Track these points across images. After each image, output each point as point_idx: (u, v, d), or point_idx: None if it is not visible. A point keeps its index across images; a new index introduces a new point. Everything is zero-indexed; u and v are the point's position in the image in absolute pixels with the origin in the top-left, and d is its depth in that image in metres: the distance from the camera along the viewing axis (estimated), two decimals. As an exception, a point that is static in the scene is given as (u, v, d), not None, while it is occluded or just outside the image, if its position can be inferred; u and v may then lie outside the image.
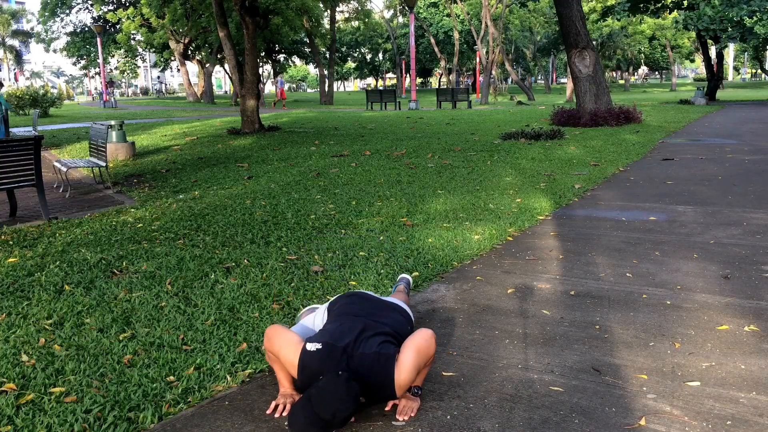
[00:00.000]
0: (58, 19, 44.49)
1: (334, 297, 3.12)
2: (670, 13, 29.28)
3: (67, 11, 44.03)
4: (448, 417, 2.51)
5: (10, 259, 4.87)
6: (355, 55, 67.49)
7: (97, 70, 47.09)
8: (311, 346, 2.52)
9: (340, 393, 2.27)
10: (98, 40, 36.79)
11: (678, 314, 3.51)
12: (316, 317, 2.97)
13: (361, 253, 4.79)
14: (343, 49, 63.65)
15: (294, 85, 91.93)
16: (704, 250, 4.73)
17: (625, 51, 45.68)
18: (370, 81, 79.90)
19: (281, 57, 44.18)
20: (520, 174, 8.36)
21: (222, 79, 76.85)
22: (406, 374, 2.46)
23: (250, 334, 3.33)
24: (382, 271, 4.36)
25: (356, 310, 2.80)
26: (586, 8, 37.85)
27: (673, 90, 46.77)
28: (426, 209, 6.33)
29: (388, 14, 57.70)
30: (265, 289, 4.04)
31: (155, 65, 53.18)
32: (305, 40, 41.09)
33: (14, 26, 61.57)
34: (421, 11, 52.78)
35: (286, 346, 2.56)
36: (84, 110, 32.06)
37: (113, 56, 48.11)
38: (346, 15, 44.18)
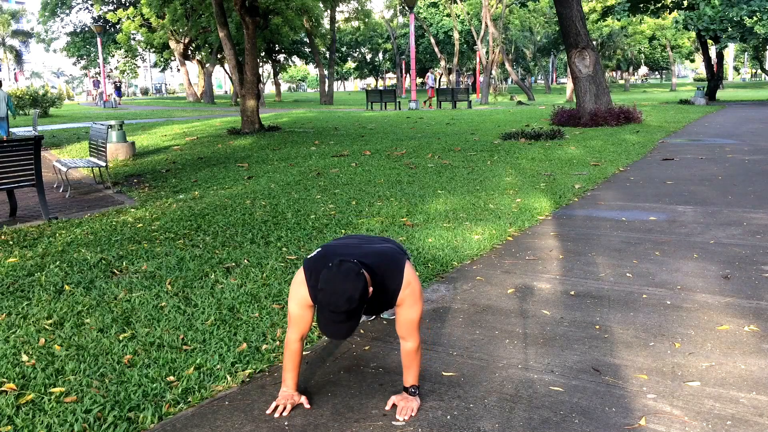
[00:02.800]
0: (58, 19, 44.49)
1: None
2: (670, 13, 29.26)
3: (67, 11, 44.03)
4: (448, 417, 2.51)
5: (10, 259, 4.87)
6: (355, 55, 67.48)
7: (97, 70, 47.08)
8: (312, 254, 2.56)
9: (339, 279, 2.27)
10: (98, 40, 36.79)
11: (678, 314, 3.51)
12: None
13: (361, 253, 4.79)
14: (343, 49, 63.64)
15: (294, 85, 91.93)
16: (704, 250, 4.73)
17: (625, 51, 45.68)
18: (370, 81, 79.89)
19: (281, 57, 44.17)
20: (520, 174, 8.36)
21: (222, 79, 76.80)
22: (415, 281, 2.51)
23: (250, 334, 3.33)
24: (382, 271, 4.36)
25: (348, 239, 2.81)
26: (586, 8, 37.85)
27: (673, 90, 46.75)
28: (426, 209, 6.33)
29: (388, 14, 57.69)
30: (265, 289, 4.04)
31: (155, 65, 53.17)
32: (305, 40, 41.08)
33: (14, 26, 61.56)
34: (421, 11, 52.77)
35: (295, 288, 2.57)
36: (84, 110, 32.07)
37: (113, 56, 48.10)
38: (346, 15, 44.16)
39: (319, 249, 2.65)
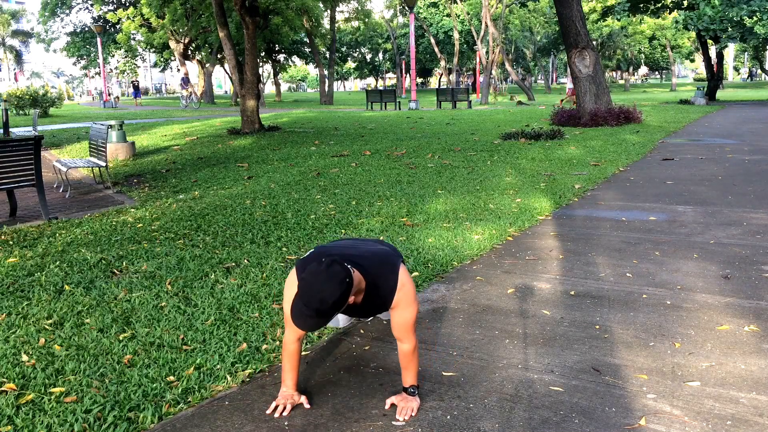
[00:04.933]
0: (58, 19, 44.49)
1: None
2: (670, 13, 29.27)
3: (67, 11, 44.02)
4: (448, 417, 2.51)
5: (10, 259, 4.87)
6: (355, 55, 67.50)
7: (97, 70, 47.04)
8: (304, 256, 2.54)
9: (321, 278, 2.23)
10: (98, 40, 36.79)
11: (678, 314, 3.51)
12: None
13: (361, 253, 4.79)
14: (343, 49, 63.64)
15: (294, 85, 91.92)
16: (704, 250, 4.73)
17: (625, 51, 45.68)
18: (370, 81, 79.90)
19: (281, 57, 44.17)
20: (520, 174, 8.36)
21: (222, 79, 76.83)
22: (410, 284, 2.51)
23: (250, 334, 3.33)
24: (382, 271, 4.36)
25: (345, 243, 2.79)
26: (586, 8, 37.85)
27: (673, 90, 46.76)
28: (426, 209, 6.33)
29: (388, 14, 57.70)
30: (265, 289, 4.04)
31: (155, 65, 53.16)
32: (305, 40, 41.09)
33: (14, 26, 61.57)
34: (421, 11, 52.78)
35: (288, 288, 2.57)
36: (84, 110, 32.06)
37: (113, 56, 48.10)
38: (346, 15, 44.16)
39: (312, 250, 2.65)
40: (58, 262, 4.74)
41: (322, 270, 2.26)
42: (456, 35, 44.68)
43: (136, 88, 42.09)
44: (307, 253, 2.62)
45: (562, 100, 20.90)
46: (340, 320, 3.30)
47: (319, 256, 2.52)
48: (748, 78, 70.00)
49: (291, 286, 2.55)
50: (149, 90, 74.83)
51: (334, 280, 2.24)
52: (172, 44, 37.63)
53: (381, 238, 5.24)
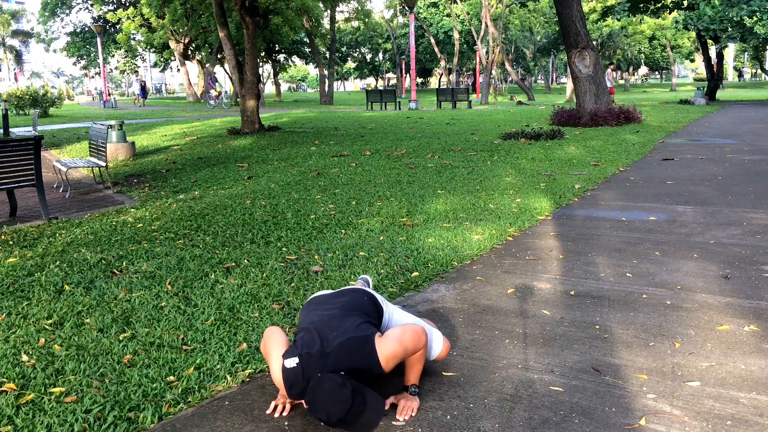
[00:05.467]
0: (58, 19, 44.52)
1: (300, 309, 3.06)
2: (670, 13, 29.26)
3: (67, 11, 44.05)
4: (448, 417, 2.51)
5: (10, 259, 4.87)
6: (355, 55, 67.50)
7: (97, 70, 47.02)
8: (289, 363, 2.46)
9: (326, 398, 2.24)
10: (98, 40, 36.79)
11: (678, 314, 3.51)
12: None
13: (361, 253, 4.79)
14: (343, 49, 63.65)
15: (294, 85, 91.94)
16: (704, 250, 4.73)
17: (625, 51, 45.68)
18: (370, 81, 79.90)
19: (281, 57, 44.17)
20: (520, 174, 8.36)
21: (222, 79, 76.88)
22: (390, 346, 2.46)
23: (250, 334, 3.33)
24: (382, 271, 4.36)
25: (322, 310, 2.71)
26: (586, 8, 37.85)
27: (673, 90, 46.77)
28: (426, 209, 6.33)
29: (388, 14, 57.70)
30: (265, 289, 4.04)
31: (155, 65, 53.16)
32: (305, 40, 41.09)
33: (14, 26, 61.58)
34: (421, 11, 52.78)
35: (271, 360, 2.54)
36: (84, 110, 32.07)
37: (113, 56, 48.10)
38: (346, 15, 44.17)
39: (295, 354, 2.49)
40: (58, 262, 4.74)
41: (323, 394, 2.26)
42: (456, 35, 44.68)
43: (143, 87, 41.52)
44: (290, 359, 2.51)
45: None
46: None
47: (309, 363, 2.44)
48: (739, 78, 69.92)
49: (273, 361, 2.52)
50: (149, 90, 74.84)
51: (338, 396, 2.24)
52: (172, 44, 37.65)
53: (381, 238, 5.24)
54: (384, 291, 3.96)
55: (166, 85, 79.81)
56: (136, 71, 51.68)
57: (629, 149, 10.75)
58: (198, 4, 26.38)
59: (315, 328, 2.57)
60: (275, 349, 2.55)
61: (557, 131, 12.78)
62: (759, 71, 63.67)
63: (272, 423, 2.50)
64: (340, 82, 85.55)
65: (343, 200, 6.89)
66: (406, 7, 28.58)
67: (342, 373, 2.39)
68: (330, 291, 2.98)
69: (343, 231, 5.54)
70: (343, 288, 3.02)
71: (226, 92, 36.12)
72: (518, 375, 2.84)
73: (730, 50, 63.34)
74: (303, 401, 2.53)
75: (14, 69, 67.46)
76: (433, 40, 48.34)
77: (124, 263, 4.70)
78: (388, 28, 56.05)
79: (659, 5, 25.05)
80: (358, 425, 2.27)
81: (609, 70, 28.46)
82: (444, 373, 2.87)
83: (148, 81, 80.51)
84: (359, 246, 5.01)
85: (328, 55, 39.87)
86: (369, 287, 3.54)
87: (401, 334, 2.51)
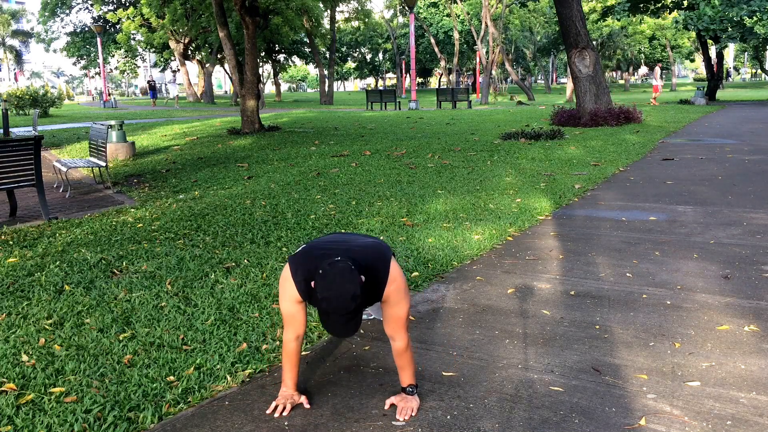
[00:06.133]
0: (58, 19, 44.50)
1: None
2: (670, 13, 29.26)
3: (67, 11, 44.03)
4: (448, 417, 2.51)
5: (10, 259, 4.87)
6: (355, 55, 67.50)
7: (97, 70, 46.98)
8: (294, 253, 2.54)
9: (336, 282, 2.24)
10: (98, 40, 36.79)
11: (678, 314, 3.51)
12: None
13: (361, 253, 4.79)
14: (343, 49, 63.65)
15: (294, 85, 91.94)
16: (704, 250, 4.73)
17: (625, 51, 45.68)
18: (370, 81, 79.91)
19: (281, 57, 44.17)
20: (520, 174, 8.36)
21: (222, 79, 76.84)
22: (397, 278, 2.51)
23: (250, 334, 3.33)
24: (382, 271, 4.35)
25: (333, 237, 2.77)
26: (586, 8, 37.84)
27: (673, 90, 46.77)
28: (426, 209, 6.33)
29: (388, 14, 57.71)
30: (265, 289, 4.04)
31: (155, 65, 53.14)
32: (305, 40, 41.08)
33: (14, 26, 61.56)
34: (421, 11, 52.78)
35: (282, 286, 2.56)
36: (84, 110, 32.07)
37: (113, 56, 48.09)
38: (346, 15, 44.17)
39: (303, 246, 2.65)
40: (58, 262, 4.74)
41: (330, 277, 2.27)
42: (456, 35, 44.67)
43: (153, 87, 40.82)
44: (298, 248, 2.62)
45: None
46: (372, 311, 3.32)
47: (310, 254, 2.52)
48: (726, 77, 69.72)
49: (285, 282, 2.55)
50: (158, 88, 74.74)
51: (346, 276, 2.26)
52: (172, 44, 37.63)
53: (381, 238, 5.24)
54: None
55: (165, 85, 79.68)
56: (172, 71, 50.89)
57: (629, 149, 10.75)
58: (198, 4, 26.40)
59: (328, 239, 2.67)
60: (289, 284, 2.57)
61: (557, 131, 12.78)
62: (759, 71, 63.63)
63: (272, 423, 2.50)
64: (340, 82, 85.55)
65: (343, 200, 6.89)
66: (406, 7, 28.58)
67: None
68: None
69: (342, 231, 5.54)
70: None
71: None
72: (518, 375, 2.84)
73: (730, 50, 63.34)
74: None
75: (14, 69, 67.47)
76: (433, 40, 48.33)
77: (124, 263, 4.70)
78: (388, 28, 56.06)
79: (659, 5, 25.05)
80: (352, 324, 2.29)
81: (657, 68, 28.32)
82: (444, 373, 2.88)
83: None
84: (359, 246, 5.01)
85: (328, 55, 39.87)
86: None
87: (404, 285, 2.56)
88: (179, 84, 40.94)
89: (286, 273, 2.55)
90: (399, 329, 2.54)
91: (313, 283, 2.36)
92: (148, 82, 42.12)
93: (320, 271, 2.30)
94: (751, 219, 5.69)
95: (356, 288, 2.25)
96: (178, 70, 40.77)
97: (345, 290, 2.24)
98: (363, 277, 2.38)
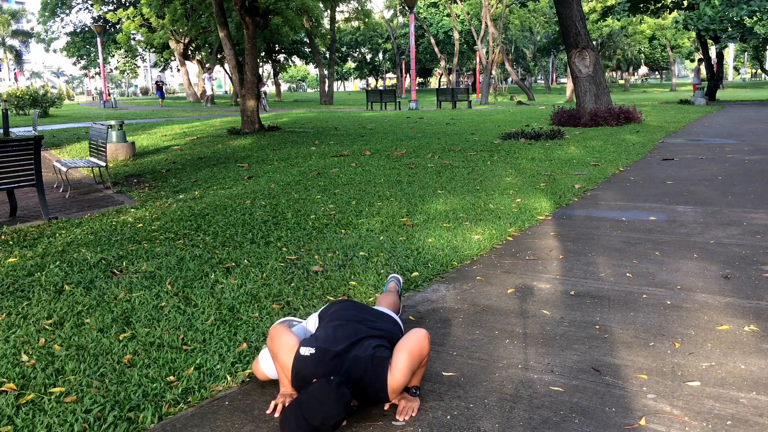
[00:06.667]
0: (58, 19, 44.51)
1: (326, 305, 3.11)
2: (670, 13, 29.27)
3: (67, 11, 44.05)
4: (448, 417, 2.51)
5: (10, 259, 4.87)
6: (355, 55, 67.52)
7: (97, 70, 46.97)
8: (305, 351, 2.50)
9: (330, 399, 2.25)
10: (98, 40, 36.79)
11: (678, 314, 3.51)
12: (308, 324, 2.94)
13: (361, 253, 4.79)
14: (343, 49, 63.66)
15: (294, 85, 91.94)
16: (704, 250, 4.73)
17: (625, 51, 45.68)
18: (370, 81, 79.92)
19: (281, 57, 44.17)
20: (520, 174, 8.36)
21: (222, 79, 76.84)
22: (399, 377, 2.46)
23: (250, 334, 3.33)
24: (382, 271, 4.36)
25: (350, 315, 2.78)
26: (586, 8, 37.85)
27: (673, 90, 46.77)
28: (426, 209, 6.33)
29: (388, 14, 57.71)
30: (265, 289, 4.04)
31: (155, 65, 53.13)
32: (305, 40, 41.09)
33: (14, 26, 61.56)
34: (421, 11, 52.78)
35: (282, 348, 2.55)
36: (84, 110, 32.07)
37: (113, 56, 48.09)
38: (346, 15, 44.17)
39: (314, 346, 2.54)
40: (58, 262, 4.74)
41: (332, 390, 2.26)
42: (456, 35, 44.67)
43: (160, 88, 40.19)
44: (305, 350, 2.54)
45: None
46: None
47: (323, 359, 2.48)
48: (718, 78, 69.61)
49: (285, 348, 2.54)
50: (149, 90, 74.73)
51: (340, 404, 2.26)
52: (172, 44, 37.63)
53: (381, 238, 5.24)
54: (383, 291, 3.96)
55: (165, 85, 79.63)
56: (206, 68, 50.02)
57: (629, 149, 10.75)
58: (198, 4, 26.42)
59: (339, 329, 2.63)
60: (288, 337, 2.56)
61: (557, 131, 12.78)
62: (759, 71, 63.63)
63: (272, 423, 2.50)
64: (340, 82, 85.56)
65: (343, 200, 6.89)
66: (406, 7, 28.58)
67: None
68: (366, 305, 3.01)
69: (343, 231, 5.54)
70: (379, 308, 3.04)
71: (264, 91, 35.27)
72: (518, 375, 2.84)
73: (731, 50, 63.34)
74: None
75: (14, 69, 67.48)
76: (433, 40, 48.33)
77: (124, 263, 4.70)
78: (388, 28, 56.05)
79: (659, 5, 25.04)
80: None
81: (700, 67, 28.11)
82: (444, 373, 2.87)
83: (148, 81, 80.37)
84: (359, 246, 5.01)
85: (328, 55, 39.87)
86: (400, 286, 3.71)
87: (408, 358, 2.48)
88: (215, 79, 39.95)
89: (289, 356, 2.53)
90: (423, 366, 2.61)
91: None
92: (156, 82, 41.73)
93: (309, 390, 2.30)
94: (751, 219, 5.69)
95: (336, 417, 2.25)
96: (211, 66, 39.83)
97: (325, 410, 2.24)
98: (354, 402, 2.41)
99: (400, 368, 2.46)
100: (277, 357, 2.56)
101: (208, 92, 36.34)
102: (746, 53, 58.55)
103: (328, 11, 37.09)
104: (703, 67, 28.39)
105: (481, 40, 35.34)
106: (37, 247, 5.26)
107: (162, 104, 37.38)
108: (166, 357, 3.08)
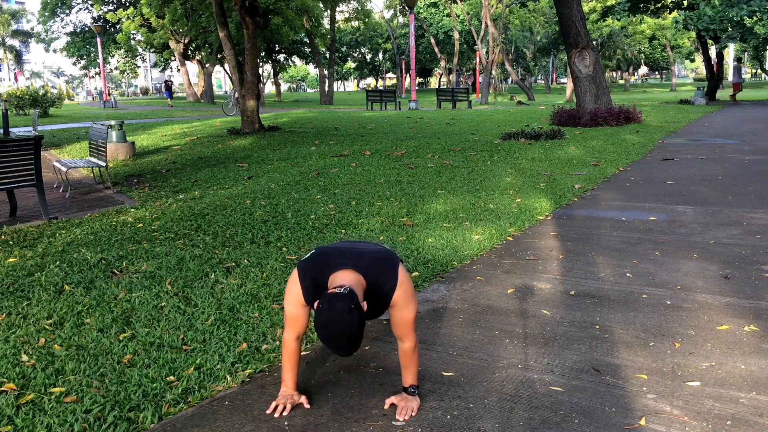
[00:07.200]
0: (58, 19, 44.51)
1: None
2: (670, 13, 29.27)
3: (67, 11, 44.04)
4: (448, 417, 2.51)
5: (10, 259, 4.87)
6: (355, 55, 67.53)
7: (97, 70, 46.97)
8: (304, 258, 2.59)
9: (333, 320, 2.24)
10: (98, 40, 36.78)
11: (678, 314, 3.51)
12: None
13: (361, 253, 4.79)
14: (343, 49, 63.67)
15: (294, 85, 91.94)
16: (704, 250, 4.73)
17: (625, 51, 45.68)
18: (370, 81, 79.93)
19: (281, 57, 44.17)
20: (520, 174, 8.36)
21: (222, 79, 76.84)
22: (407, 284, 2.54)
23: (250, 334, 3.33)
24: (382, 271, 4.35)
25: (342, 245, 2.80)
26: (586, 8, 37.85)
27: (673, 90, 46.77)
28: (426, 209, 6.33)
29: (388, 14, 57.72)
30: (265, 289, 4.04)
31: (155, 65, 53.14)
32: (305, 40, 41.09)
33: (14, 26, 61.57)
34: (421, 11, 52.78)
35: (289, 288, 2.59)
36: (84, 110, 32.06)
37: (113, 56, 48.09)
38: (346, 15, 44.18)
39: (313, 251, 2.68)
40: (58, 262, 4.74)
41: (331, 312, 2.26)
42: (456, 35, 44.68)
43: (169, 88, 39.72)
44: (308, 254, 2.64)
45: None
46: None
47: (319, 259, 2.56)
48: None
49: (292, 286, 2.58)
50: (149, 90, 74.73)
51: (344, 316, 2.25)
52: (172, 44, 37.63)
53: (381, 238, 5.25)
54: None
55: (173, 84, 79.56)
56: (124, 71, 49.90)
57: (629, 149, 10.75)
58: (198, 4, 26.40)
59: (337, 246, 2.70)
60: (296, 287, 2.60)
61: (557, 131, 12.78)
62: (759, 71, 63.63)
63: (272, 423, 2.50)
64: (340, 82, 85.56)
65: (343, 200, 6.89)
66: (406, 7, 28.58)
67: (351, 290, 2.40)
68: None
69: (343, 231, 5.54)
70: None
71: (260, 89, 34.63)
72: (518, 375, 2.84)
73: (730, 50, 63.32)
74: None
75: (14, 69, 67.48)
76: (433, 40, 48.33)
77: (124, 263, 4.70)
78: (388, 28, 56.05)
79: (659, 5, 25.04)
80: (351, 348, 2.32)
81: (740, 65, 28.04)
82: (444, 373, 2.88)
83: (148, 81, 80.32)
84: (359, 246, 5.01)
85: (328, 55, 39.87)
86: None
87: (411, 288, 2.59)
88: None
89: (295, 277, 2.58)
90: (408, 331, 2.56)
91: (316, 304, 2.36)
92: (165, 81, 41.52)
93: (320, 306, 2.29)
94: (751, 219, 5.69)
95: (352, 329, 2.25)
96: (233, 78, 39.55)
97: (340, 332, 2.24)
98: (365, 304, 2.39)
99: (406, 281, 2.55)
100: (288, 300, 2.59)
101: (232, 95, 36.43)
102: (746, 53, 58.56)
103: (328, 11, 37.10)
104: (732, 66, 28.27)
105: (481, 40, 35.34)
106: (37, 247, 5.26)
107: (171, 104, 36.63)
108: (166, 357, 3.08)
